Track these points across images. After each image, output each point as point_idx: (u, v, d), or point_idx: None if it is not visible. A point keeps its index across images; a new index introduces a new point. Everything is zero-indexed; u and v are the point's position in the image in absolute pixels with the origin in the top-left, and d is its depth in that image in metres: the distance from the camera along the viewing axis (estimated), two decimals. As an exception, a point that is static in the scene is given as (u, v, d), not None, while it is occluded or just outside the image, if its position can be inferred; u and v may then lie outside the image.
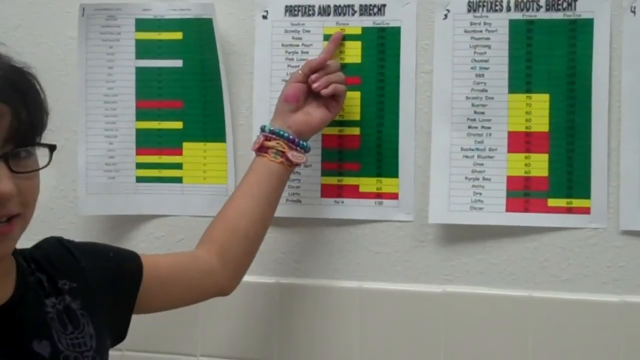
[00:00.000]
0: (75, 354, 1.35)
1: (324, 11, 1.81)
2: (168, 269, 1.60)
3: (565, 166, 1.73)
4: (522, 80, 1.73)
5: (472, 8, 1.75)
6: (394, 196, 1.81)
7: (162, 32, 1.87)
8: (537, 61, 1.73)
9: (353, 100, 1.79)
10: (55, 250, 1.45)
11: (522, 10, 1.72)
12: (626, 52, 1.69)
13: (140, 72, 1.88)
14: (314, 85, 1.70)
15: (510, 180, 1.75)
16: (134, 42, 1.88)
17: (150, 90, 1.89)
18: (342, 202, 1.83)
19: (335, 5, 1.80)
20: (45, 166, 1.27)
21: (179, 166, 1.89)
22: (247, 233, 1.68)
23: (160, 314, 1.62)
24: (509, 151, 1.75)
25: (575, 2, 1.71)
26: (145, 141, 1.89)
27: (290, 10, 1.82)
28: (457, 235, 1.79)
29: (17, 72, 1.24)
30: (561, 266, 1.75)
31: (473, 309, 1.78)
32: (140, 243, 1.90)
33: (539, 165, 1.74)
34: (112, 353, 1.47)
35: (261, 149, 1.70)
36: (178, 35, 1.86)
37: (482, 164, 1.76)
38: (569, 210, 1.73)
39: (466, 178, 1.76)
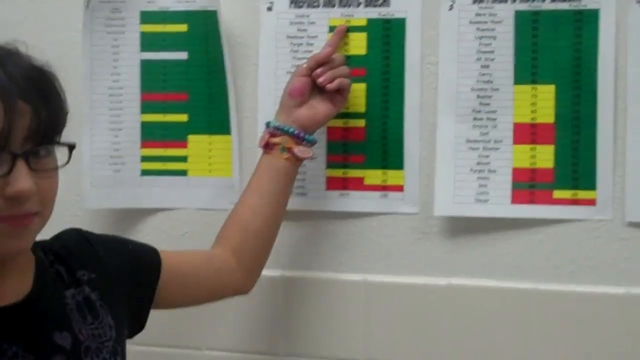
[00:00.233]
0: (96, 344, 1.36)
1: (329, 3, 1.80)
2: (186, 266, 1.62)
3: (570, 157, 1.72)
4: (527, 71, 1.73)
5: (477, -1, 1.75)
6: (399, 188, 1.80)
7: (167, 25, 1.87)
8: (543, 52, 1.72)
9: (358, 92, 1.79)
10: (74, 242, 1.46)
11: (527, 1, 1.72)
12: (632, 43, 1.69)
13: (145, 64, 1.88)
14: (319, 80, 1.69)
15: (516, 171, 1.75)
16: (139, 34, 1.88)
17: (155, 82, 1.88)
18: (347, 194, 1.83)
19: (340, -3, 1.81)
20: (65, 164, 1.28)
21: (184, 159, 1.89)
22: (260, 231, 1.69)
23: (165, 307, 1.62)
24: (515, 142, 1.74)
25: (581, -7, 1.71)
26: (150, 134, 1.89)
27: (296, 1, 1.82)
28: (462, 227, 1.79)
29: (38, 71, 1.25)
30: (566, 258, 1.75)
31: (478, 301, 1.78)
32: (145, 236, 1.89)
33: (544, 156, 1.73)
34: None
35: (267, 146, 1.70)
36: (183, 28, 1.86)
37: (487, 156, 1.75)
38: (575, 201, 1.73)
39: (471, 170, 1.76)
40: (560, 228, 1.74)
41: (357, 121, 1.81)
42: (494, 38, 1.74)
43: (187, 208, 1.91)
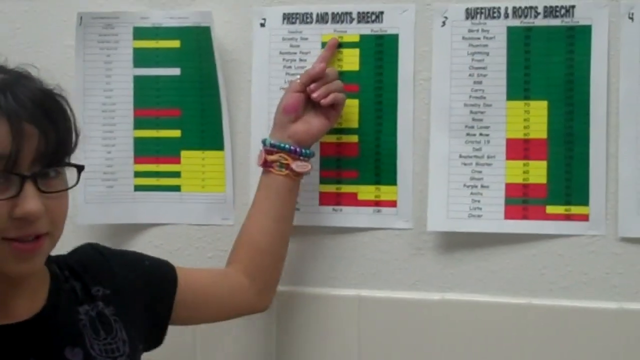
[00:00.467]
0: (108, 359, 1.38)
1: (322, 19, 1.81)
2: (202, 283, 1.65)
3: (563, 173, 1.72)
4: (520, 87, 1.73)
5: (470, 15, 1.74)
6: (393, 204, 1.81)
7: (159, 40, 1.86)
8: (535, 68, 1.72)
9: (351, 107, 1.79)
10: (89, 257, 1.49)
11: (520, 17, 1.72)
12: (624, 59, 1.69)
13: (138, 80, 1.88)
14: (314, 95, 1.70)
15: (509, 187, 1.75)
16: (132, 50, 1.88)
17: (148, 98, 1.88)
18: (341, 210, 1.83)
19: (333, 13, 1.80)
20: (74, 186, 1.31)
21: (177, 174, 1.89)
22: (269, 250, 1.71)
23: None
24: (508, 158, 1.74)
25: (573, 9, 1.71)
26: (144, 150, 1.89)
27: (288, 18, 1.82)
28: (455, 242, 1.79)
29: (47, 94, 1.28)
30: (560, 273, 1.75)
31: (472, 316, 1.78)
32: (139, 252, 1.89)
33: (537, 172, 1.73)
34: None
35: (266, 164, 1.71)
36: (176, 44, 1.86)
37: (480, 171, 1.75)
38: (568, 217, 1.73)
39: (464, 185, 1.76)
40: (554, 243, 1.75)
41: (350, 137, 1.81)
42: (487, 54, 1.74)
43: (180, 223, 1.91)
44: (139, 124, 1.88)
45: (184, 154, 1.88)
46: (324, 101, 1.69)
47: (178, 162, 1.88)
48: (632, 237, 1.72)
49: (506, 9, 1.73)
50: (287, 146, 1.69)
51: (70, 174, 1.30)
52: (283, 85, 1.80)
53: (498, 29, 1.73)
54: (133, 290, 1.50)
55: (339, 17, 1.80)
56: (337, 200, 1.83)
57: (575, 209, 1.73)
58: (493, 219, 1.75)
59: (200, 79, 1.85)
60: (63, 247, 1.44)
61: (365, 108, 1.80)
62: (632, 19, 1.69)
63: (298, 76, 1.74)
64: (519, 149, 1.74)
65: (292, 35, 1.82)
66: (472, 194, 1.76)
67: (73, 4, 1.89)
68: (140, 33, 1.87)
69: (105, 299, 1.44)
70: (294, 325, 1.85)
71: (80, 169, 1.31)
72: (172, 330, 1.64)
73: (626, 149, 1.70)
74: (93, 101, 1.88)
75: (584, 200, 1.72)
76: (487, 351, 1.77)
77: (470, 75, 1.75)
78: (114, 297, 1.45)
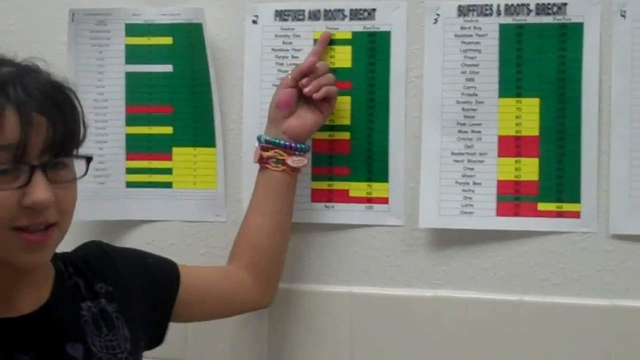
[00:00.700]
0: (109, 356, 1.40)
1: (314, 16, 1.81)
2: (204, 280, 1.66)
3: (555, 170, 1.73)
4: (512, 84, 1.73)
5: (462, 12, 1.75)
6: (385, 200, 1.81)
7: (152, 37, 1.86)
8: (527, 65, 1.73)
9: (343, 104, 1.79)
10: (94, 255, 1.51)
11: (512, 14, 1.73)
12: (616, 56, 1.70)
13: (130, 77, 1.88)
14: (306, 90, 1.70)
15: (501, 184, 1.75)
16: (124, 47, 1.88)
17: (140, 95, 1.88)
18: (333, 206, 1.83)
19: (325, 10, 1.80)
20: (82, 176, 1.33)
21: (169, 171, 1.89)
22: (269, 246, 1.72)
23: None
24: (499, 155, 1.75)
25: (565, 6, 1.71)
26: (135, 146, 1.89)
27: (280, 14, 1.82)
28: (447, 239, 1.79)
29: (55, 86, 1.30)
30: (551, 270, 1.75)
31: (464, 313, 1.78)
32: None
33: (529, 169, 1.74)
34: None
35: (262, 160, 1.71)
36: (168, 40, 1.86)
37: (472, 168, 1.76)
38: (559, 214, 1.73)
39: (456, 182, 1.76)
40: (545, 240, 1.75)
41: (342, 134, 1.81)
42: (479, 51, 1.74)
43: (172, 220, 1.91)
44: (131, 120, 1.88)
45: (176, 150, 1.88)
46: (316, 95, 1.70)
47: (170, 158, 1.88)
48: (623, 234, 1.72)
49: (498, 6, 1.73)
50: (282, 142, 1.70)
51: (79, 165, 1.32)
52: (275, 82, 1.79)
53: (490, 26, 1.74)
54: (136, 288, 1.51)
55: (331, 14, 1.80)
56: (329, 197, 1.83)
57: (567, 206, 1.73)
58: (485, 216, 1.76)
59: (192, 76, 1.85)
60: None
61: (357, 105, 1.80)
62: (624, 16, 1.69)
63: (290, 72, 1.74)
64: (510, 146, 1.74)
65: (284, 32, 1.82)
66: (463, 190, 1.76)
67: (66, 1, 1.89)
68: (132, 30, 1.87)
69: (108, 296, 1.45)
70: (286, 322, 1.85)
71: (89, 159, 1.33)
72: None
73: (618, 146, 1.70)
74: (85, 97, 1.82)
75: (576, 198, 1.72)
76: (479, 348, 1.77)
77: (462, 72, 1.75)
78: (116, 294, 1.46)
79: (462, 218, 1.76)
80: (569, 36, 1.71)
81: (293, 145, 1.70)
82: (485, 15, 1.74)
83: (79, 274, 1.45)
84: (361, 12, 1.79)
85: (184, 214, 1.90)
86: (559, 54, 1.71)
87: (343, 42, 1.80)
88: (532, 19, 1.72)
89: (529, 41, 1.73)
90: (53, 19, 1.92)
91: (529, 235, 1.75)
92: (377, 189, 1.81)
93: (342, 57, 1.80)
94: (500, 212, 1.75)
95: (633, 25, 1.69)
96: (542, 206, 1.74)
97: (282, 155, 1.70)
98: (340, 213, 1.83)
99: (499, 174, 1.75)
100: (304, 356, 1.86)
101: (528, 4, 1.72)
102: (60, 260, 1.43)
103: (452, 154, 1.76)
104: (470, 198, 1.76)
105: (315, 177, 1.83)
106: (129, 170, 1.89)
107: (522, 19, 1.72)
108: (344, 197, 1.82)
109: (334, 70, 1.77)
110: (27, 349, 1.30)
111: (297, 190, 1.80)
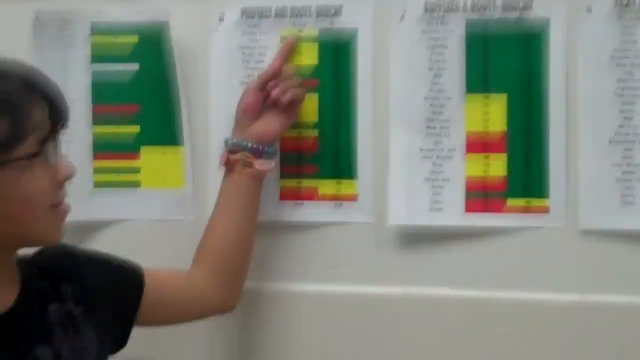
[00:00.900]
0: (77, 358, 1.40)
1: (281, 13, 1.80)
2: (169, 284, 1.67)
3: (523, 166, 1.73)
4: (479, 80, 1.73)
5: (428, 9, 1.74)
6: (354, 198, 1.80)
7: (117, 36, 1.85)
8: (494, 61, 1.73)
9: (311, 102, 1.79)
10: (58, 256, 1.50)
11: (478, 10, 1.72)
12: (583, 52, 1.70)
13: (96, 76, 1.87)
14: (273, 94, 1.70)
15: (469, 180, 1.75)
16: (90, 46, 1.86)
17: (107, 94, 1.87)
18: (302, 204, 1.82)
19: (291, 7, 1.79)
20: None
21: (136, 170, 1.88)
22: (233, 251, 1.71)
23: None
24: (468, 151, 1.74)
25: (531, 2, 1.71)
26: (102, 146, 1.88)
27: (247, 12, 1.81)
28: (416, 236, 1.79)
29: (39, 72, 1.37)
30: (521, 266, 1.75)
31: (434, 310, 1.78)
32: (99, 249, 1.87)
33: (497, 165, 1.74)
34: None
35: (228, 163, 1.70)
36: (134, 39, 1.85)
37: (441, 165, 1.75)
38: (528, 210, 1.73)
39: (425, 179, 1.76)
40: (514, 236, 1.75)
41: (310, 131, 1.80)
42: (446, 47, 1.74)
43: (140, 219, 1.90)
44: (97, 120, 1.87)
45: (143, 149, 1.87)
46: (282, 98, 1.70)
47: (137, 158, 1.87)
48: (592, 230, 1.72)
49: (465, 2, 1.72)
50: (249, 145, 1.69)
51: None
52: (242, 79, 1.80)
53: (457, 22, 1.73)
54: (101, 291, 1.50)
55: (298, 11, 1.79)
56: (298, 195, 1.82)
57: (536, 202, 1.73)
58: (454, 213, 1.75)
59: (158, 74, 1.84)
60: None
61: (324, 103, 1.79)
62: (590, 11, 1.69)
63: (256, 74, 1.74)
64: (478, 142, 1.74)
65: (250, 29, 1.81)
66: (433, 187, 1.76)
67: (31, 0, 1.87)
68: (97, 29, 1.86)
69: (75, 298, 1.45)
70: (256, 322, 1.85)
71: None
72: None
73: (586, 140, 1.70)
74: (51, 97, 1.86)
75: (544, 193, 1.72)
76: (449, 344, 1.77)
77: (430, 68, 1.75)
78: (82, 297, 1.46)
79: (432, 214, 1.76)
80: (536, 32, 1.71)
81: (261, 148, 1.70)
82: (452, 11, 1.73)
83: (44, 276, 1.44)
84: (328, 9, 1.78)
85: (152, 213, 1.89)
86: (526, 50, 1.71)
87: (310, 39, 1.79)
88: (499, 14, 1.72)
89: (495, 37, 1.72)
90: (17, 19, 1.89)
91: (498, 232, 1.75)
92: (345, 186, 1.80)
93: (309, 54, 1.79)
94: (469, 208, 1.75)
95: (599, 21, 1.69)
96: (511, 202, 1.74)
97: (249, 158, 1.69)
98: (310, 211, 1.82)
99: (467, 170, 1.75)
100: (275, 356, 1.85)
101: (494, 1, 1.72)
102: (26, 262, 1.43)
103: (421, 150, 1.76)
104: (440, 194, 1.76)
105: (283, 176, 1.82)
106: (97, 170, 1.88)
107: (488, 15, 1.72)
108: (312, 195, 1.82)
109: (300, 68, 1.77)
110: None
111: (266, 189, 1.79)
